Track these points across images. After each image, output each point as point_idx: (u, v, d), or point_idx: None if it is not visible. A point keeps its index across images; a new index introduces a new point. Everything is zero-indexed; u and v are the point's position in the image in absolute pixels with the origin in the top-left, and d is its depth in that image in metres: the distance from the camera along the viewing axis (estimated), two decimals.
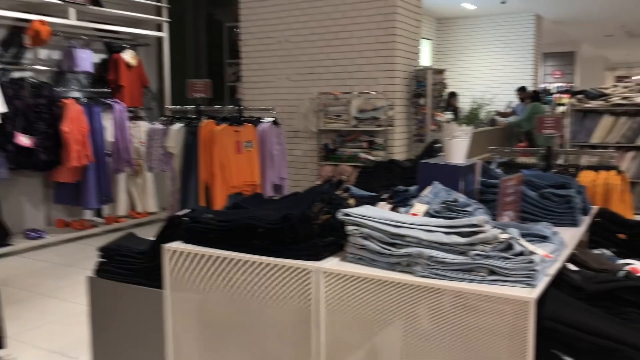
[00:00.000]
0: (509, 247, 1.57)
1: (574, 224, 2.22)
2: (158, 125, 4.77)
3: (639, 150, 5.96)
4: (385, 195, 2.29)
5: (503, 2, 9.63)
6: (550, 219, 2.16)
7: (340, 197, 2.13)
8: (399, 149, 6.05)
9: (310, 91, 6.37)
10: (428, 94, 5.93)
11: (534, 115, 8.87)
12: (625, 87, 6.19)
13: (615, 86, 6.42)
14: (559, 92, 14.68)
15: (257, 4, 6.67)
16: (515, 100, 10.28)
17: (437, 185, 2.07)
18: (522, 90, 9.65)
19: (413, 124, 6.15)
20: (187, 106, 4.89)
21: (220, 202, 4.47)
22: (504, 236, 1.58)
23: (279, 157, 4.99)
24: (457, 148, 2.25)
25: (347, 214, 1.76)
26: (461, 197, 2.00)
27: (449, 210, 1.89)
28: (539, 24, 11.06)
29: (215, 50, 8.71)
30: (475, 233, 1.59)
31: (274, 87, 6.67)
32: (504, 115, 9.36)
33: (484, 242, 1.57)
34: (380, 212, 1.79)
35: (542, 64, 14.24)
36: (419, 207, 1.91)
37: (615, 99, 6.00)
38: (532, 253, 1.57)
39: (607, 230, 2.44)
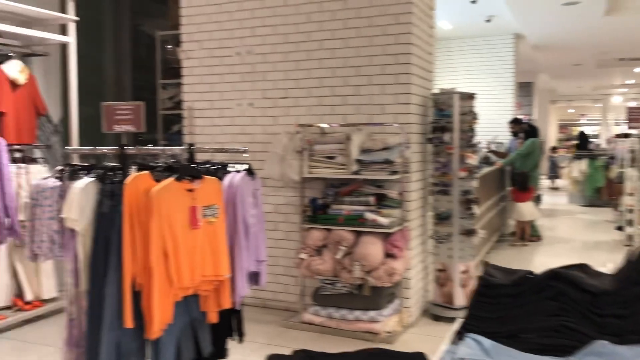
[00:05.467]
0: None
1: None
2: (49, 181, 2.76)
3: None
4: None
5: (473, 2, 7.79)
6: None
7: None
8: (414, 205, 4.29)
9: (283, 122, 4.53)
10: (455, 127, 4.23)
11: (530, 154, 7.47)
12: None
13: None
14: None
15: (203, 1, 4.80)
16: (499, 133, 8.89)
17: None
18: (515, 122, 8.24)
19: (431, 169, 4.43)
20: (103, 148, 2.90)
21: (161, 312, 2.52)
22: None
23: (256, 227, 3.08)
24: None
25: None
26: None
27: None
28: (517, 48, 9.81)
29: (143, 69, 6.69)
30: None
31: (229, 117, 4.77)
32: (500, 155, 7.86)
33: None
34: None
35: None
36: None
37: None
38: None
39: None
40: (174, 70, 6.09)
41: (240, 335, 3.09)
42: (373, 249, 3.83)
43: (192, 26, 4.86)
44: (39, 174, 4.44)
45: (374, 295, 3.93)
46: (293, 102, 4.51)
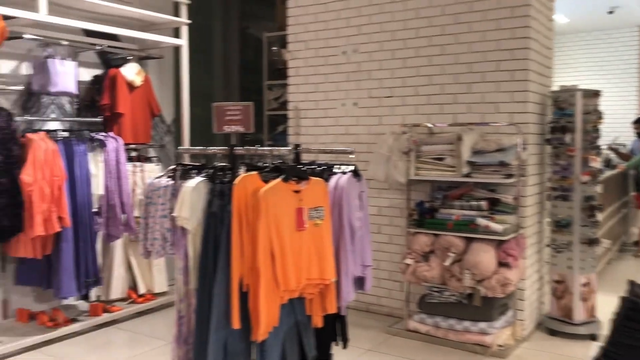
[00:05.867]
0: None
1: None
2: (163, 180, 2.82)
3: None
4: None
5: (611, 12, 7.65)
6: None
7: None
8: (530, 211, 3.99)
9: (389, 122, 4.40)
10: (577, 127, 3.89)
11: None
12: None
13: None
14: None
15: (311, 1, 4.77)
16: (621, 134, 8.17)
17: None
18: None
19: (549, 172, 4.11)
20: (214, 148, 2.93)
21: (267, 315, 2.48)
22: None
23: (362, 231, 2.98)
24: None
25: None
26: None
27: None
28: None
29: (250, 71, 6.83)
30: None
31: (334, 117, 4.72)
32: (623, 156, 7.22)
33: None
34: None
35: None
36: None
37: None
38: None
39: None
40: (279, 71, 6.15)
41: (345, 341, 3.00)
42: (485, 257, 3.60)
43: (298, 26, 4.86)
44: (153, 173, 4.64)
45: (485, 306, 3.70)
46: (399, 101, 4.36)
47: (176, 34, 4.95)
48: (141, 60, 4.79)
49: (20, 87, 4.05)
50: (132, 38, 4.66)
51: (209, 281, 2.63)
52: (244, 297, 2.52)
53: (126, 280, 4.53)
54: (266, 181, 2.59)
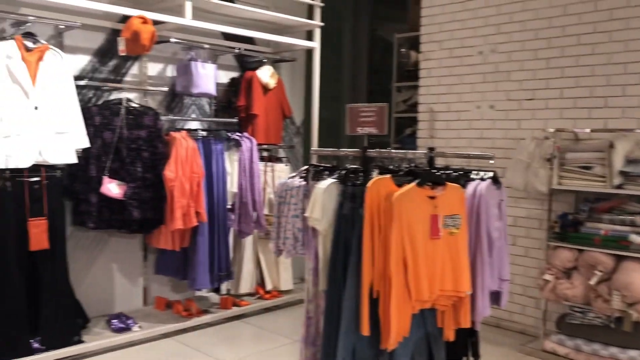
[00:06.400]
0: None
1: None
2: (295, 180, 2.83)
3: None
4: None
5: None
6: None
7: None
8: None
9: (529, 126, 4.12)
10: None
11: None
12: None
13: None
14: None
15: (448, 0, 4.60)
16: None
17: None
18: None
19: None
20: (346, 149, 2.89)
21: (398, 324, 2.39)
22: None
23: (500, 242, 2.79)
24: None
25: None
26: None
27: None
28: None
29: (378, 72, 6.78)
30: None
31: (467, 120, 4.51)
32: None
33: None
34: None
35: None
36: None
37: None
38: None
39: None
40: (408, 73, 6.02)
41: (476, 357, 2.84)
42: (638, 277, 3.23)
43: (432, 26, 4.71)
44: (283, 173, 4.75)
45: (636, 332, 3.32)
46: (542, 104, 4.07)
47: (308, 36, 5.01)
48: (275, 63, 4.91)
49: (166, 89, 4.31)
50: (266, 41, 4.80)
51: (338, 284, 2.60)
52: (373, 303, 2.45)
53: (254, 276, 4.66)
54: (399, 185, 2.50)
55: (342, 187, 2.61)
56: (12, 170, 3.24)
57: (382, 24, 6.83)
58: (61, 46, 3.70)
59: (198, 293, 4.54)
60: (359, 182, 2.58)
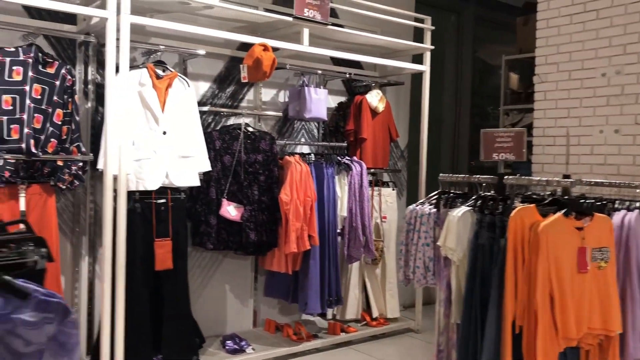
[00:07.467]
0: None
1: None
2: (425, 207, 2.76)
3: None
4: None
5: None
6: None
7: None
8: None
9: None
10: None
11: None
12: None
13: None
14: None
15: (565, 20, 4.42)
16: None
17: None
18: None
19: None
20: (479, 176, 2.79)
21: None
22: None
23: None
24: None
25: None
26: None
27: None
28: None
29: (481, 95, 6.62)
30: None
31: (588, 145, 4.27)
32: None
33: None
34: None
35: None
36: None
37: None
38: None
39: None
40: (516, 96, 5.83)
41: None
42: None
43: (548, 48, 4.53)
44: (390, 197, 4.69)
45: None
46: None
47: (414, 59, 4.96)
48: (381, 87, 4.89)
49: (280, 114, 4.39)
50: (372, 65, 4.79)
51: (474, 317, 2.49)
52: (515, 339, 2.33)
53: (360, 302, 4.60)
54: (544, 215, 2.38)
55: (479, 216, 2.52)
56: (141, 192, 3.38)
57: (484, 46, 6.69)
58: (185, 73, 3.86)
59: (304, 317, 4.53)
60: (498, 210, 2.48)
